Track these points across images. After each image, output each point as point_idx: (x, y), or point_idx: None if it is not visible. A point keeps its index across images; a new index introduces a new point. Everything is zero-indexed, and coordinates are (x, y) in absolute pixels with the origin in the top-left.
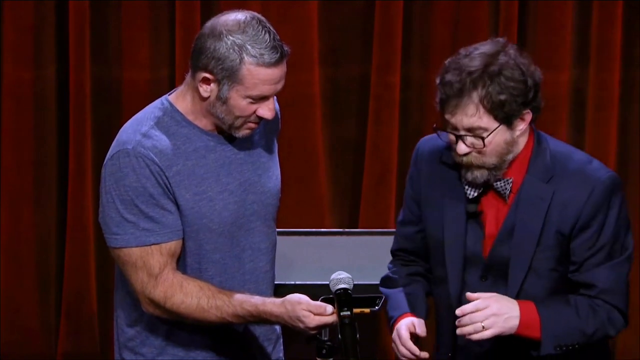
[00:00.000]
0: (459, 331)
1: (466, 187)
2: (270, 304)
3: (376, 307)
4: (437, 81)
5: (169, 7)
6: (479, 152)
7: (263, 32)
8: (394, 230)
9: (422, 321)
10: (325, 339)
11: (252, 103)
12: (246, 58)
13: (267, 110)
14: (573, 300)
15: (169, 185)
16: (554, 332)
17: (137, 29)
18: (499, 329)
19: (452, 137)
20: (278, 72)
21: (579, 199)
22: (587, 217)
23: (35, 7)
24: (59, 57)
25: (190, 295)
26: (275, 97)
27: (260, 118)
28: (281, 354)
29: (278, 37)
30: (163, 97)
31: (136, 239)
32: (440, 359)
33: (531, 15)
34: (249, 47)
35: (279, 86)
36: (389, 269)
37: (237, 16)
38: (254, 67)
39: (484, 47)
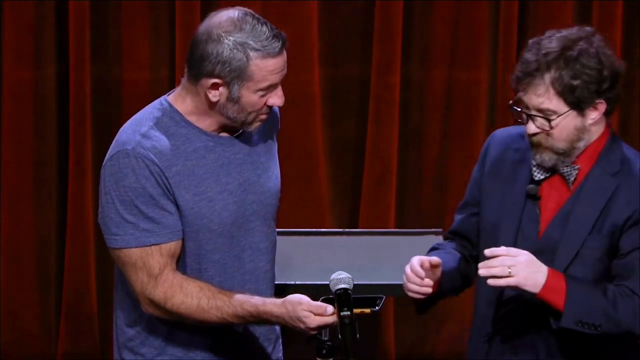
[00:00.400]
0: (483, 271)
1: (534, 168)
2: (271, 305)
3: (376, 307)
4: (518, 60)
5: (169, 7)
6: (548, 135)
7: (259, 25)
8: (394, 230)
9: (439, 260)
10: (325, 339)
11: (262, 95)
12: (252, 54)
13: (277, 98)
14: (604, 285)
15: (168, 186)
16: (577, 304)
17: (137, 29)
18: (524, 279)
19: (524, 116)
20: (282, 59)
21: (639, 196)
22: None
23: (35, 7)
24: (59, 57)
25: (191, 296)
26: None
27: (270, 108)
28: (280, 354)
29: (274, 26)
30: (162, 98)
31: (136, 240)
32: (474, 345)
33: (531, 15)
34: (251, 42)
35: (284, 72)
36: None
37: (229, 15)
38: (260, 61)
39: (568, 32)
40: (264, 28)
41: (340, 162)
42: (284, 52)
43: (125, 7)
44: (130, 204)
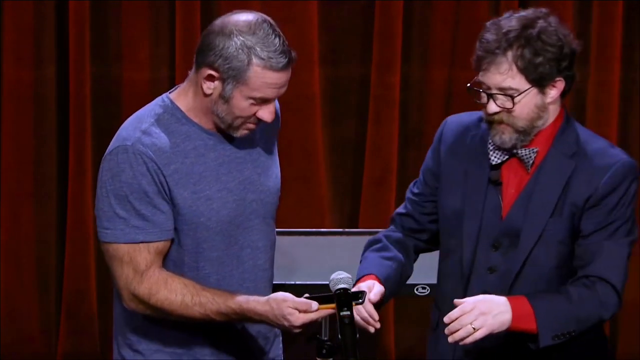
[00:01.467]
0: (450, 338)
1: (491, 152)
2: (254, 302)
3: (360, 300)
4: (477, 40)
5: (169, 7)
6: (509, 112)
7: (273, 35)
8: None
9: (381, 290)
10: (325, 339)
11: (253, 104)
12: (254, 60)
13: (267, 113)
14: (564, 289)
15: (165, 184)
16: (549, 322)
17: (137, 29)
18: (490, 326)
19: (484, 96)
20: (284, 76)
21: (598, 176)
22: (602, 194)
23: (35, 7)
24: (59, 57)
25: (175, 292)
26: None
27: (259, 120)
28: (280, 352)
29: (287, 43)
30: (164, 95)
31: (125, 236)
32: (439, 335)
33: None
34: (258, 49)
35: (282, 90)
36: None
37: (249, 17)
38: (261, 70)
39: (526, 12)
40: (277, 40)
41: (340, 162)
42: (288, 71)
43: (125, 7)
44: (124, 200)
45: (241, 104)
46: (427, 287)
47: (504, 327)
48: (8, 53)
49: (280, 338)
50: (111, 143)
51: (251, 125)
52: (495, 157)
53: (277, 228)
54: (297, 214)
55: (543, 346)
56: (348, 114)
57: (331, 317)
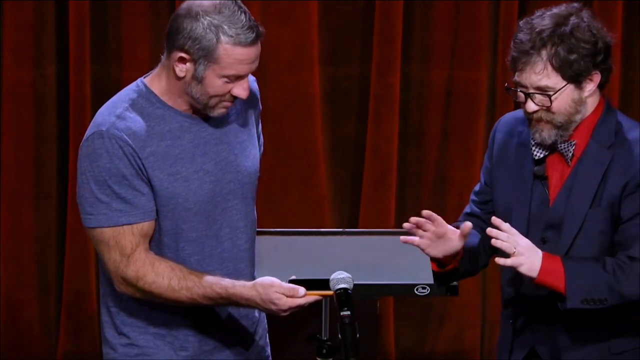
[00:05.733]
0: (494, 240)
1: (533, 148)
2: (240, 287)
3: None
4: (512, 41)
5: (169, 7)
6: (547, 110)
7: (239, 12)
8: (394, 230)
9: (470, 225)
10: (325, 338)
11: (227, 82)
12: (222, 38)
13: (241, 89)
14: (602, 258)
15: (142, 167)
16: (578, 283)
17: (137, 29)
18: (523, 261)
19: (522, 96)
20: (254, 51)
21: (634, 163)
22: (638, 180)
23: (35, 7)
24: (59, 57)
25: (162, 276)
26: (254, 78)
27: (235, 97)
28: (266, 333)
29: (253, 18)
30: (139, 80)
31: (108, 220)
32: (503, 326)
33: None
34: (225, 27)
35: (254, 66)
36: None
37: None
38: (230, 47)
39: (558, 9)
40: (242, 17)
41: (340, 162)
42: (257, 46)
43: (125, 7)
44: (104, 184)
45: (215, 83)
46: (427, 287)
47: (531, 274)
48: (8, 53)
49: (265, 320)
50: (87, 130)
51: (227, 104)
52: (537, 152)
53: (277, 228)
54: (297, 214)
55: (571, 307)
56: (348, 114)
57: (331, 317)
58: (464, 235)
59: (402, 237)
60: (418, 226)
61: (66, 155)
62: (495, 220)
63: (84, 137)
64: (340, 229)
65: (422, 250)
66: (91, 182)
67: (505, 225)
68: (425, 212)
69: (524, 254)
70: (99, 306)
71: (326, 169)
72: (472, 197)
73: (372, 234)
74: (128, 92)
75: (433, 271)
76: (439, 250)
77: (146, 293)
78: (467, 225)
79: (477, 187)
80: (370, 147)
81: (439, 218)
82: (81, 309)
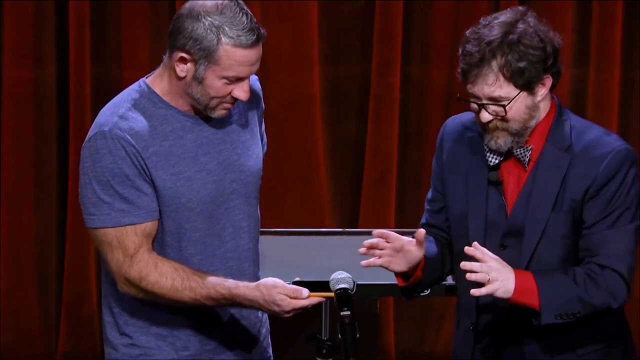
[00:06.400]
0: (468, 275)
1: (488, 154)
2: (244, 288)
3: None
4: (459, 52)
5: (169, 7)
6: (502, 119)
7: (240, 14)
8: (394, 230)
9: (423, 231)
10: (325, 339)
11: (227, 84)
12: (223, 39)
13: (242, 91)
14: (570, 270)
15: (145, 167)
16: (552, 299)
17: (137, 29)
18: (498, 286)
19: (475, 106)
20: (254, 53)
21: (594, 166)
22: (600, 184)
23: (35, 6)
24: (59, 57)
25: (165, 276)
26: (257, 77)
27: (235, 99)
28: (268, 334)
29: (255, 20)
30: (141, 80)
31: (111, 220)
32: (461, 334)
33: None
34: (226, 28)
35: (255, 68)
36: None
37: None
38: (230, 48)
39: (503, 16)
40: (244, 19)
41: (340, 162)
42: (258, 48)
43: (125, 7)
44: (106, 185)
45: (215, 84)
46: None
47: (506, 296)
48: (8, 53)
49: (268, 321)
50: (90, 130)
51: (228, 105)
52: (492, 158)
53: (277, 228)
54: (297, 214)
55: (545, 323)
56: (348, 114)
57: (331, 317)
58: (420, 243)
59: (364, 262)
60: (373, 247)
61: (66, 155)
62: (468, 250)
63: (87, 138)
64: (340, 229)
65: (386, 268)
66: (94, 182)
67: (480, 254)
68: (375, 231)
69: (498, 279)
70: (99, 306)
71: (326, 169)
72: (427, 206)
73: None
74: (130, 92)
75: (400, 286)
76: (402, 264)
77: (149, 293)
78: (421, 232)
79: (429, 195)
80: (370, 147)
81: (392, 233)
82: (81, 309)
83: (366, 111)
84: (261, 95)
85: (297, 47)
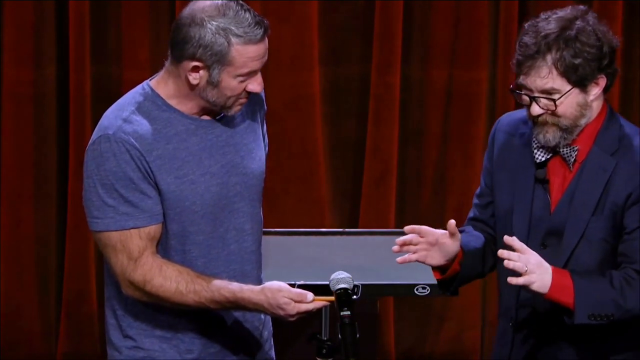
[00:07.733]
0: (506, 262)
1: (535, 151)
2: (248, 291)
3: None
4: (516, 43)
5: (169, 7)
6: (553, 113)
7: (242, 11)
8: (394, 230)
9: (453, 222)
10: (325, 339)
11: (242, 81)
12: (233, 40)
13: (256, 84)
14: (608, 273)
15: (149, 170)
16: (587, 299)
17: (137, 29)
18: (534, 279)
19: (526, 99)
20: (263, 46)
21: (638, 174)
22: None
23: (35, 7)
24: (59, 57)
25: (169, 279)
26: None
27: (249, 93)
28: (271, 338)
29: (257, 13)
30: (145, 82)
31: (115, 223)
32: (502, 328)
33: (531, 15)
34: (233, 28)
35: (265, 59)
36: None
37: (213, 1)
38: (242, 47)
39: (563, 12)
40: (247, 15)
41: (340, 162)
42: (265, 40)
43: (125, 7)
44: (110, 188)
45: (231, 84)
46: (427, 287)
47: (542, 291)
48: (8, 53)
49: (270, 323)
50: (94, 133)
51: (243, 100)
52: (539, 155)
53: (277, 228)
54: (297, 214)
55: (578, 322)
56: (348, 114)
57: (331, 317)
58: (452, 234)
59: (399, 259)
60: (407, 244)
61: (66, 155)
62: (507, 239)
63: (90, 141)
64: (340, 229)
65: (423, 263)
66: (98, 185)
67: (518, 244)
68: (407, 228)
69: (535, 272)
70: (99, 306)
71: (326, 169)
72: (475, 200)
73: (372, 234)
74: (134, 95)
75: (437, 280)
76: (438, 258)
77: (153, 297)
78: (451, 223)
79: (478, 190)
80: (370, 147)
81: (424, 227)
82: (81, 309)
83: (366, 111)
84: (264, 97)
85: (297, 47)
